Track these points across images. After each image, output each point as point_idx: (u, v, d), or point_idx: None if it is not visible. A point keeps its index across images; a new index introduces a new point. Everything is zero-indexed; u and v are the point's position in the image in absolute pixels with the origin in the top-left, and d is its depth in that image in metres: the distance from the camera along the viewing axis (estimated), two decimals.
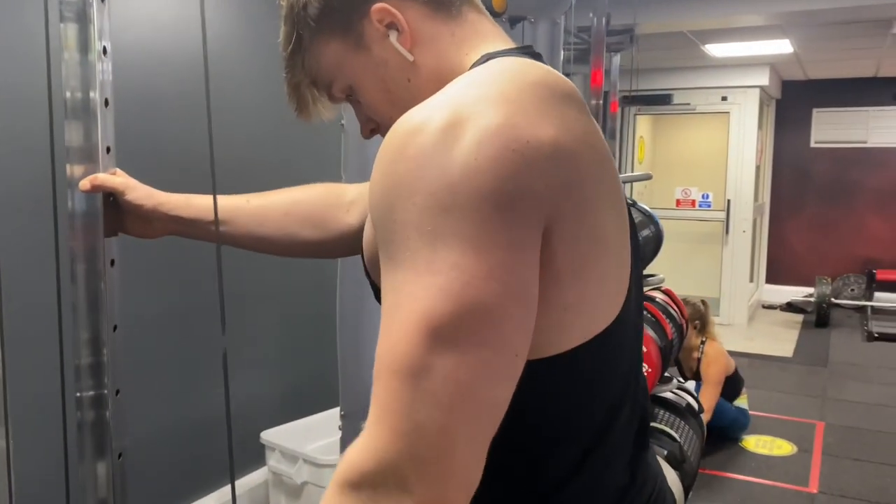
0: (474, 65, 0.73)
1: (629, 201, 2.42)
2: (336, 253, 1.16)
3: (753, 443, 3.92)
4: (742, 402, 4.00)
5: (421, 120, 0.60)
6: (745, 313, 6.85)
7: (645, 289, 2.36)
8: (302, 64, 0.82)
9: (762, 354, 5.72)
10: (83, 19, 0.98)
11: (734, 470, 3.60)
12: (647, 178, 2.91)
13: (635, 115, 7.12)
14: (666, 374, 2.22)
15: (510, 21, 2.58)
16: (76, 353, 1.00)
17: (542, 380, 0.66)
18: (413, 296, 0.56)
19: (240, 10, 2.73)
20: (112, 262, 1.00)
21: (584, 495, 0.71)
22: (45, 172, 1.00)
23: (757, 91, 6.61)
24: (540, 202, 0.59)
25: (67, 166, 0.98)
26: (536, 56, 0.76)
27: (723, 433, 3.89)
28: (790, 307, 7.32)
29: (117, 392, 1.02)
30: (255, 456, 2.89)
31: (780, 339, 6.28)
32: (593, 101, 2.88)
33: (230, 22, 2.71)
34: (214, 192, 1.02)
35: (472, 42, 0.77)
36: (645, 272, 2.37)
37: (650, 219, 2.30)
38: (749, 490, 3.40)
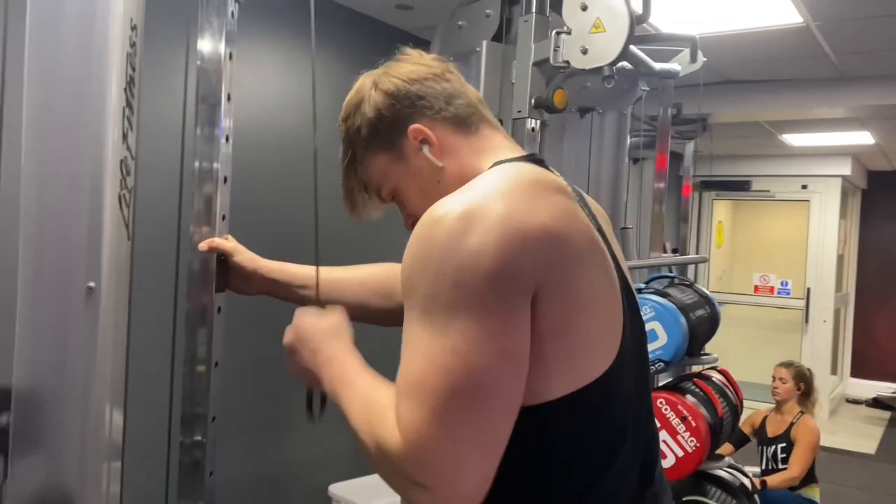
0: (488, 169, 0.93)
1: (686, 281, 2.53)
2: (400, 322, 1.35)
3: None
4: (813, 493, 3.88)
5: (440, 214, 0.80)
6: (826, 406, 6.62)
7: (699, 368, 2.44)
8: (355, 173, 1.05)
9: (843, 449, 5.52)
10: (213, 110, 1.23)
11: None
12: (703, 260, 2.99)
13: (713, 199, 7.16)
14: (718, 452, 2.28)
15: (580, 112, 2.79)
16: (186, 379, 1.21)
17: (542, 423, 0.82)
18: (431, 349, 0.76)
19: (332, 95, 3.04)
20: (219, 310, 1.22)
21: None
22: (171, 233, 1.24)
23: (839, 180, 6.57)
24: (527, 277, 0.77)
25: (191, 227, 1.22)
26: (539, 161, 0.96)
27: None
28: (876, 403, 7.01)
29: (213, 418, 1.22)
30: None
31: (863, 434, 6.04)
32: (659, 185, 3.01)
33: (323, 104, 3.03)
34: (318, 262, 1.20)
35: (487, 152, 0.98)
36: (703, 351, 2.45)
37: (706, 300, 2.40)
38: None
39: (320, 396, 1.03)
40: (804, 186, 6.70)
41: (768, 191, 6.81)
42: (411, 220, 1.04)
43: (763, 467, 3.91)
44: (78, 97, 1.02)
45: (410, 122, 0.98)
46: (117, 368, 1.07)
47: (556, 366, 0.81)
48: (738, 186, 6.81)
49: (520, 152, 1.00)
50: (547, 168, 0.95)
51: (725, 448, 3.93)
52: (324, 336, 1.01)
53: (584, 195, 1.04)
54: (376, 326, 1.28)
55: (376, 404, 0.82)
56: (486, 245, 0.76)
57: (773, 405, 4.03)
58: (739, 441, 4.02)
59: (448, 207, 0.80)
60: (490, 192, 0.82)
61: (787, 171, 6.67)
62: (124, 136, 1.06)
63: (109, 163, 1.04)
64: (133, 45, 1.06)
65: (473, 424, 0.75)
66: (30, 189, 1.01)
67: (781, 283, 6.88)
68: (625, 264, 0.98)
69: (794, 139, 5.77)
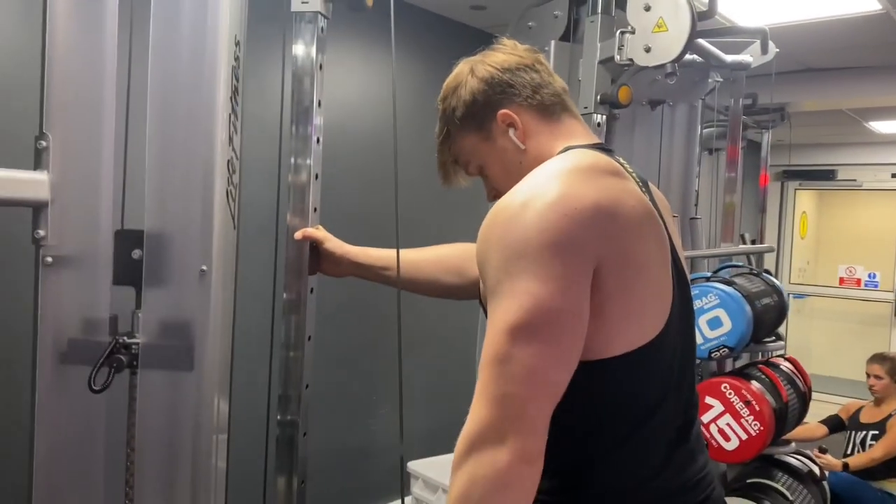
0: (558, 153, 1.05)
1: (755, 271, 2.57)
2: (471, 295, 1.48)
3: None
4: (892, 487, 3.80)
5: (507, 202, 0.93)
6: None
7: (770, 356, 2.47)
8: (449, 149, 1.18)
9: None
10: (306, 115, 1.38)
11: None
12: (770, 250, 3.00)
13: (796, 189, 6.98)
14: (785, 437, 2.31)
15: (650, 104, 2.84)
16: (284, 355, 1.37)
17: (598, 378, 0.94)
18: (501, 314, 0.88)
19: (412, 93, 3.19)
20: (311, 290, 1.38)
21: (625, 464, 0.98)
22: (270, 225, 1.40)
23: None
24: (586, 248, 0.89)
25: (288, 217, 1.38)
26: (606, 150, 1.07)
27: None
28: None
29: (307, 386, 1.38)
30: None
31: None
32: (731, 175, 3.02)
33: (404, 102, 3.18)
34: (398, 247, 1.37)
35: (563, 138, 1.09)
36: (769, 339, 2.48)
37: (774, 289, 2.44)
38: None
39: None
40: (894, 175, 6.46)
41: (855, 180, 6.60)
42: (493, 193, 1.17)
43: (848, 452, 3.85)
44: (191, 106, 1.19)
45: (500, 107, 1.10)
46: (224, 347, 1.23)
47: (615, 326, 0.92)
48: (823, 176, 6.62)
49: (592, 140, 1.11)
50: (611, 155, 1.05)
51: (819, 429, 3.91)
52: None
53: (649, 183, 1.13)
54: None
55: None
56: (545, 223, 0.88)
57: (870, 399, 3.96)
58: (834, 426, 3.98)
59: (513, 197, 0.93)
60: (549, 176, 0.94)
61: (875, 159, 6.44)
62: (230, 139, 1.22)
63: (218, 162, 1.20)
64: (237, 58, 1.22)
65: (538, 370, 0.86)
66: (153, 186, 1.18)
67: (869, 276, 6.66)
68: (680, 247, 1.08)
69: (882, 126, 5.58)
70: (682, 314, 1.02)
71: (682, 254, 1.09)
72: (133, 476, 1.17)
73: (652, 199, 1.05)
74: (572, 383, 0.89)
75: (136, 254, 1.19)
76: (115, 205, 1.19)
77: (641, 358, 0.94)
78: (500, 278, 0.89)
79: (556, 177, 0.94)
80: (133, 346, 1.16)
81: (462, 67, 1.15)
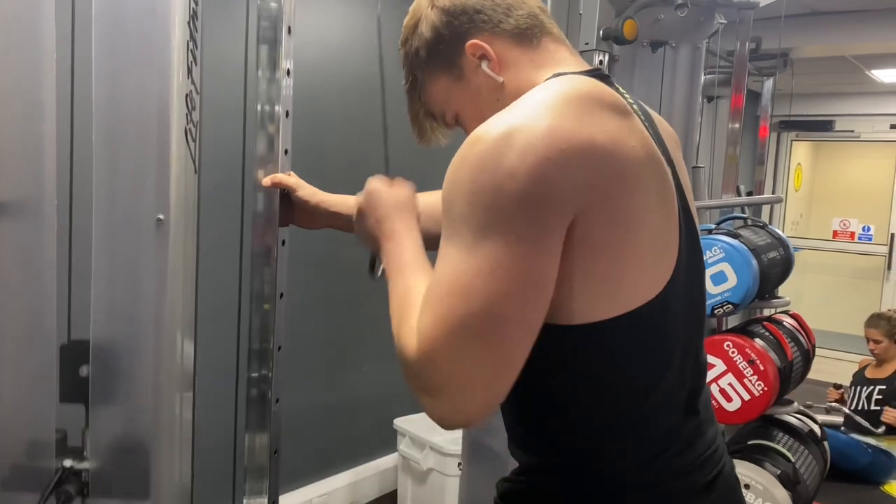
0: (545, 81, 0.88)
1: (760, 223, 2.45)
2: None
3: None
4: (891, 444, 3.78)
5: (480, 134, 0.77)
6: None
7: (770, 311, 2.37)
8: (419, 97, 1.02)
9: None
10: (273, 45, 1.23)
11: None
12: (778, 200, 2.89)
13: (792, 141, 6.85)
14: (788, 397, 2.23)
15: (651, 46, 2.67)
16: (253, 314, 1.24)
17: (584, 344, 0.81)
18: (457, 269, 0.76)
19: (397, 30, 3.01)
20: (283, 242, 1.24)
21: (625, 443, 0.86)
22: (236, 172, 1.26)
23: None
24: (566, 200, 0.75)
25: (254, 164, 1.23)
26: (604, 77, 0.90)
27: (861, 476, 3.70)
28: None
29: (279, 348, 1.25)
30: (388, 440, 3.13)
31: None
32: (734, 125, 2.89)
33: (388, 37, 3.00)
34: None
35: (548, 66, 0.93)
36: (776, 295, 2.38)
37: (780, 242, 2.32)
38: None
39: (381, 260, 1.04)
40: (893, 126, 6.33)
41: (853, 131, 6.46)
42: None
43: (852, 408, 3.84)
44: (143, 31, 1.04)
45: (468, 38, 0.94)
46: (187, 300, 1.11)
47: (603, 286, 0.79)
48: (821, 126, 6.47)
49: (583, 66, 0.95)
50: (610, 84, 0.89)
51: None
52: (389, 208, 1.03)
53: (652, 114, 0.98)
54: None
55: (411, 300, 0.84)
56: (522, 166, 0.74)
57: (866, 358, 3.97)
58: None
59: (489, 127, 0.78)
60: (535, 107, 0.78)
61: (874, 109, 6.30)
62: (189, 71, 1.08)
63: (175, 97, 1.05)
64: None
65: (485, 346, 0.75)
66: (101, 122, 1.04)
67: (863, 229, 6.58)
68: (690, 193, 0.94)
69: (884, 75, 5.43)
70: (690, 272, 0.88)
71: (693, 203, 0.95)
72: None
73: (657, 134, 0.91)
74: (560, 352, 0.79)
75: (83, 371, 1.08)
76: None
77: (637, 322, 0.81)
78: (460, 228, 0.76)
79: (544, 107, 0.77)
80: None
81: (419, 2, 0.99)
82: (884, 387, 3.73)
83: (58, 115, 1.04)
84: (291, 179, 1.26)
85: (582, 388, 0.85)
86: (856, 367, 4.14)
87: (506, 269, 0.74)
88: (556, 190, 0.75)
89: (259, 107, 1.24)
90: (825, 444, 2.38)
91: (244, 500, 1.29)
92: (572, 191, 0.75)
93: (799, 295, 6.81)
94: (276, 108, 1.23)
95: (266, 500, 1.28)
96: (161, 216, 1.06)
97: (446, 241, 0.78)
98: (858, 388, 3.88)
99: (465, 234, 0.76)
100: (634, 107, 0.88)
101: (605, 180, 0.77)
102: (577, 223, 0.76)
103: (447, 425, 0.81)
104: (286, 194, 1.26)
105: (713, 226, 2.31)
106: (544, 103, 0.78)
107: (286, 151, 1.24)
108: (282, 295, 1.25)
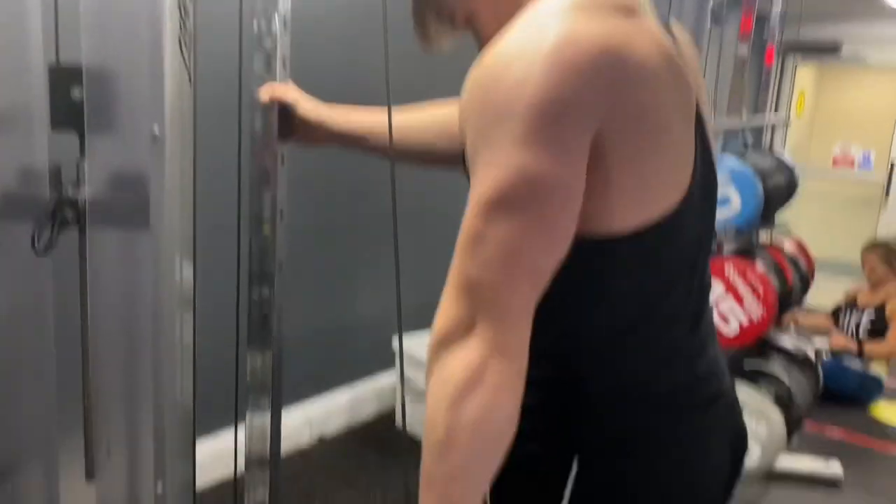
0: None
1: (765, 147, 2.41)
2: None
3: (884, 411, 3.78)
4: (879, 368, 3.85)
5: (494, 52, 0.74)
6: None
7: (773, 236, 2.36)
8: None
9: None
10: None
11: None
12: (785, 122, 2.84)
13: (796, 66, 6.71)
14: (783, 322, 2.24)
15: None
16: (253, 231, 1.22)
17: (608, 256, 0.81)
18: (477, 187, 0.73)
19: None
20: (283, 160, 1.21)
21: (630, 356, 0.87)
22: (232, 82, 1.21)
23: None
24: (587, 109, 0.72)
25: (253, 72, 1.18)
26: None
27: (851, 398, 3.77)
28: None
29: (280, 266, 1.24)
30: (386, 360, 3.17)
31: None
32: (742, 51, 2.80)
33: None
34: (389, 108, 1.12)
35: None
36: (777, 220, 2.37)
37: (786, 166, 2.29)
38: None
39: None
40: None
41: (860, 55, 6.32)
42: None
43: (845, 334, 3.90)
44: None
45: None
46: (185, 217, 1.08)
47: (624, 198, 0.78)
48: (826, 50, 6.33)
49: None
50: None
51: (826, 321, 3.93)
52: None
53: (673, 26, 0.93)
54: None
55: None
56: (536, 75, 0.71)
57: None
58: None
59: (501, 44, 0.75)
60: (546, 16, 0.75)
61: (884, 32, 6.15)
62: None
63: (168, 2, 1.00)
64: None
65: (517, 251, 0.73)
66: (90, 30, 0.99)
67: (863, 155, 6.52)
68: (705, 101, 0.91)
69: None
70: (704, 186, 0.86)
71: (707, 110, 0.92)
72: (88, 347, 1.04)
73: (674, 39, 0.87)
74: (570, 265, 0.76)
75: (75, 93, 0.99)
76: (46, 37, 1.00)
77: (653, 235, 0.80)
78: (478, 146, 0.74)
79: (554, 16, 0.74)
80: (79, 202, 1.00)
81: None
82: (873, 317, 3.79)
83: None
84: (291, 93, 1.21)
85: (593, 301, 0.84)
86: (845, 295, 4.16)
87: (524, 173, 0.71)
88: (577, 97, 0.72)
89: (256, 14, 1.18)
90: (818, 367, 2.41)
91: (247, 414, 1.30)
92: (594, 98, 0.72)
93: (794, 222, 6.82)
94: (274, 18, 1.18)
95: (269, 417, 1.29)
96: (157, 130, 1.01)
97: (471, 171, 0.76)
98: (850, 314, 3.93)
99: (482, 150, 0.73)
100: (643, 8, 0.83)
101: (625, 86, 0.74)
102: (603, 135, 0.74)
103: (493, 359, 0.74)
104: (285, 109, 1.22)
105: (719, 148, 2.27)
106: (552, 13, 0.75)
107: (284, 64, 1.19)
108: (282, 213, 1.22)
